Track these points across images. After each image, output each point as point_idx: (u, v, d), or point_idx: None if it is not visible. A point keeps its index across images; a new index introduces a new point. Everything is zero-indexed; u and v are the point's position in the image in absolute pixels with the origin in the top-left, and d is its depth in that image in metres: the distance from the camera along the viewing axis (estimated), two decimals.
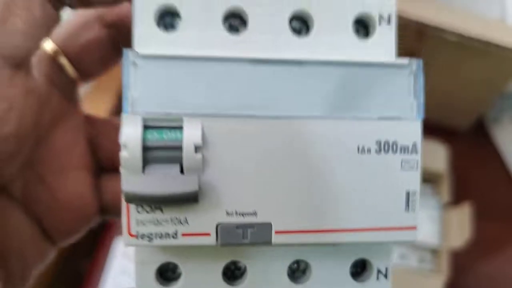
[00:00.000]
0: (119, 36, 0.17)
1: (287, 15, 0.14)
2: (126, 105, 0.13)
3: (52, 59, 0.17)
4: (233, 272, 0.15)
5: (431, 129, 0.50)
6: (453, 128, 0.56)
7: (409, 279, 0.39)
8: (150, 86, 0.13)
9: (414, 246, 0.43)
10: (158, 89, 0.13)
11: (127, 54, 0.13)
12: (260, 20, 0.14)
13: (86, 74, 0.18)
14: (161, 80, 0.13)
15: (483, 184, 0.55)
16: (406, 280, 0.39)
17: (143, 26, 0.14)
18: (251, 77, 0.14)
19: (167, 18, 0.14)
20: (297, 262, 0.15)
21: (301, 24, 0.15)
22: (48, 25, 0.15)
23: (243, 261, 0.15)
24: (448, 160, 0.46)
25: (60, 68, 0.17)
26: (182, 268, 0.15)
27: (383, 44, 0.15)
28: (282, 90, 0.14)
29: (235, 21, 0.14)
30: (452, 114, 0.54)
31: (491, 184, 0.56)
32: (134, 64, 0.13)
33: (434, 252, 0.43)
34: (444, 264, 0.41)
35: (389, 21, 0.15)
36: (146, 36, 0.14)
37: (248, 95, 0.14)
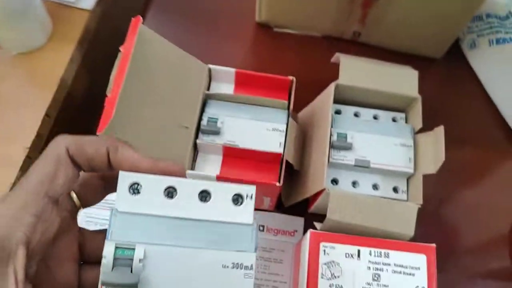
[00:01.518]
0: (109, 183, 0.31)
1: (198, 190, 0.28)
2: (108, 235, 0.27)
3: (68, 195, 0.30)
4: None
5: (407, 58, 0.56)
6: (429, 56, 0.59)
7: (382, 209, 0.40)
8: (121, 226, 0.27)
9: (387, 175, 0.45)
10: (125, 228, 0.27)
11: (111, 211, 0.27)
12: (182, 193, 0.28)
13: (86, 203, 0.31)
14: (128, 224, 0.27)
15: (461, 111, 0.58)
16: (379, 210, 0.40)
17: (121, 191, 0.28)
18: (174, 225, 0.27)
19: (134, 186, 0.28)
20: None
21: (205, 195, 0.29)
22: (75, 180, 0.28)
23: None
24: (421, 87, 0.46)
25: (71, 200, 0.30)
26: None
27: (246, 212, 0.28)
28: (190, 232, 0.27)
29: (171, 190, 0.28)
30: (427, 43, 0.58)
31: (470, 111, 0.58)
32: (114, 215, 0.27)
33: (409, 180, 0.45)
34: (419, 192, 0.43)
35: (251, 197, 0.28)
36: (121, 197, 0.27)
37: (171, 234, 0.27)
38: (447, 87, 0.61)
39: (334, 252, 0.40)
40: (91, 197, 0.31)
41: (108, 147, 0.28)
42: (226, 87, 0.48)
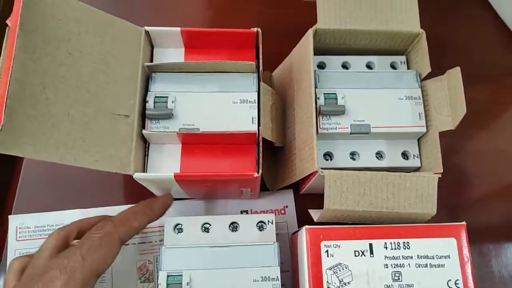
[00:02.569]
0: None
1: (228, 223, 0.35)
2: (160, 266, 0.33)
3: None
4: None
5: None
6: None
7: (393, 185, 0.32)
8: (169, 259, 0.33)
9: (393, 139, 0.36)
10: (173, 260, 0.33)
11: (161, 248, 0.33)
12: (216, 227, 0.35)
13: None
14: (175, 256, 0.33)
15: (472, 42, 0.49)
16: (389, 188, 0.32)
17: (167, 230, 0.35)
18: (212, 252, 0.33)
19: (178, 226, 0.35)
20: None
21: (235, 226, 0.35)
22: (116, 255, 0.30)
23: None
24: (420, 17, 0.36)
25: None
26: None
27: (269, 234, 0.35)
28: (225, 256, 0.33)
29: (206, 226, 0.35)
30: None
31: (483, 41, 0.49)
32: (163, 251, 0.33)
33: (421, 142, 0.37)
34: (437, 156, 0.34)
35: (272, 222, 0.35)
36: (168, 236, 0.35)
37: (210, 260, 0.33)
38: (452, 15, 0.50)
39: (340, 252, 0.31)
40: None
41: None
42: (174, 54, 0.37)
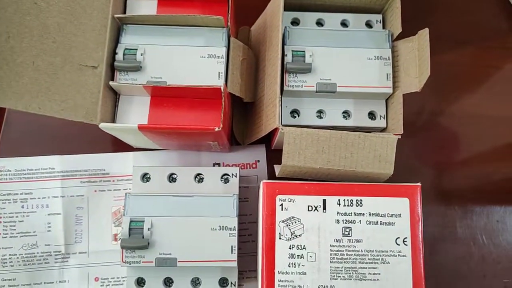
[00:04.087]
0: None
1: (193, 174, 0.37)
2: (125, 212, 0.34)
3: None
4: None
5: None
6: None
7: (352, 144, 0.32)
8: (134, 205, 0.35)
9: (360, 98, 0.36)
10: (137, 206, 0.35)
11: (126, 195, 0.35)
12: (183, 178, 0.37)
13: None
14: (139, 203, 0.35)
15: (461, 5, 0.48)
16: (348, 147, 0.32)
17: (135, 179, 0.37)
18: (174, 201, 0.35)
19: (146, 176, 0.37)
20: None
21: (201, 177, 0.37)
22: None
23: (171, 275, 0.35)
24: None
25: None
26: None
27: (232, 187, 0.37)
28: (187, 205, 0.35)
29: (173, 176, 0.37)
30: None
31: (471, 5, 0.48)
32: (128, 197, 0.35)
33: (388, 102, 0.36)
34: (398, 118, 0.34)
35: (236, 175, 0.37)
36: (135, 185, 0.37)
37: (172, 208, 0.35)
38: None
39: (294, 206, 0.32)
40: None
41: None
42: (147, 6, 0.37)
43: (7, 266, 0.39)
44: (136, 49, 0.34)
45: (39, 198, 0.40)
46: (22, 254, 0.39)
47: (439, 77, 0.46)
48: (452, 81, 0.46)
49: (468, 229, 0.42)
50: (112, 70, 0.34)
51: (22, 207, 0.40)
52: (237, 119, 0.42)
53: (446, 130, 0.45)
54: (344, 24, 0.38)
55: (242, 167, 0.42)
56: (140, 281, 0.35)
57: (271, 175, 0.42)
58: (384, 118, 0.36)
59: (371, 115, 0.37)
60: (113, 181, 0.41)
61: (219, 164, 0.42)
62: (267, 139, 0.41)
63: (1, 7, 0.28)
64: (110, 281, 0.40)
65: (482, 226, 0.42)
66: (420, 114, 0.45)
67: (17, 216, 0.40)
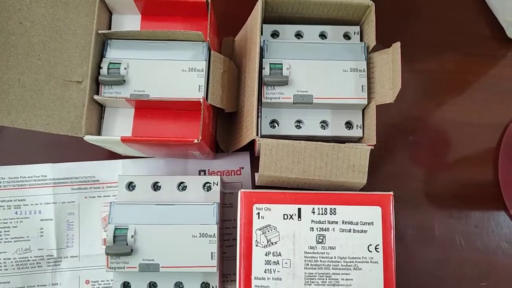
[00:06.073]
0: None
1: (176, 183, 0.38)
2: (109, 220, 0.36)
3: None
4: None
5: None
6: None
7: (326, 155, 0.34)
8: (118, 214, 0.36)
9: (337, 109, 0.37)
10: (121, 215, 0.36)
11: (111, 203, 0.37)
12: (166, 186, 0.39)
13: None
14: (123, 211, 0.36)
15: (438, 7, 0.49)
16: (323, 157, 0.34)
17: (120, 187, 0.38)
18: (158, 209, 0.37)
19: (132, 184, 0.39)
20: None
21: (184, 186, 0.39)
22: None
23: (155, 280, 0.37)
24: None
25: None
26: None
27: (214, 195, 0.39)
28: (170, 213, 0.36)
29: (158, 185, 0.39)
30: None
31: (448, 6, 0.49)
32: (113, 206, 0.36)
33: (365, 113, 0.37)
34: (372, 129, 0.35)
35: (217, 184, 0.38)
36: (121, 193, 0.38)
37: (155, 216, 0.36)
38: None
39: (270, 215, 0.34)
40: None
41: None
42: (131, 21, 0.38)
43: (1, 270, 0.41)
44: (120, 63, 0.36)
45: (32, 204, 0.42)
46: (16, 258, 0.41)
47: (422, 84, 0.47)
48: (435, 88, 0.47)
49: (446, 233, 0.43)
50: (97, 84, 0.36)
51: (16, 213, 0.42)
52: (221, 128, 0.43)
53: (428, 136, 0.46)
54: (323, 35, 0.39)
55: (227, 173, 0.44)
56: (126, 285, 0.37)
57: (255, 182, 0.44)
58: (360, 127, 0.38)
59: (348, 125, 0.38)
60: (103, 188, 0.43)
61: (204, 171, 0.44)
62: (251, 146, 0.43)
63: None
64: (100, 284, 0.41)
65: (460, 230, 0.43)
66: (402, 120, 0.46)
67: (11, 222, 0.42)
